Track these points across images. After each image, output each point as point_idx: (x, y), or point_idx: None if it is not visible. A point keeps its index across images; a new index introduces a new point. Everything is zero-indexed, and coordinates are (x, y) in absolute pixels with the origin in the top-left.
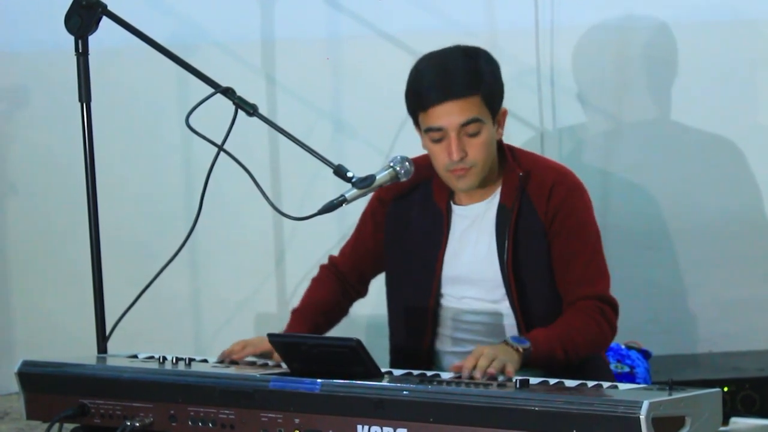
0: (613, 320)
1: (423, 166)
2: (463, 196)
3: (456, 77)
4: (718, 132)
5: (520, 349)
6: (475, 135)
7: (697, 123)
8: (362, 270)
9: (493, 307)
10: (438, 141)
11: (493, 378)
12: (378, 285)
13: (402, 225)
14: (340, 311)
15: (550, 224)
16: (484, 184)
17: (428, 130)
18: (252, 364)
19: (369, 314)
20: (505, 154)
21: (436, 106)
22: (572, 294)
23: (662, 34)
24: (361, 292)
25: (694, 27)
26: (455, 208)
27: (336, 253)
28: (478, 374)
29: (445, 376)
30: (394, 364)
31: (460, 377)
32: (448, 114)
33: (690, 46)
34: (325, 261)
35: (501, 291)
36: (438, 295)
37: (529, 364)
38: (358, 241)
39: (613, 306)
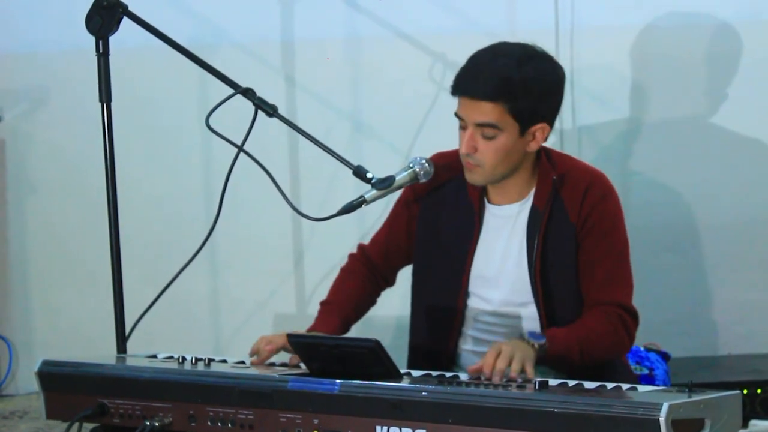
0: (632, 330)
1: (456, 159)
2: (497, 195)
3: (482, 79)
4: (740, 132)
5: (536, 345)
6: (490, 138)
7: (718, 123)
8: (393, 260)
9: (514, 310)
10: (462, 128)
11: (513, 379)
12: (406, 286)
13: (434, 220)
14: (369, 303)
15: (581, 227)
16: (518, 186)
17: (456, 114)
18: (271, 365)
19: (397, 315)
20: (540, 156)
21: (461, 97)
22: (593, 297)
23: (682, 34)
24: (390, 281)
25: (714, 27)
26: (489, 206)
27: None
28: (496, 378)
29: (464, 377)
30: (412, 363)
31: (478, 378)
32: (468, 108)
33: (710, 46)
34: (354, 250)
35: (527, 294)
36: (466, 294)
37: (543, 361)
38: (390, 232)
39: (633, 315)
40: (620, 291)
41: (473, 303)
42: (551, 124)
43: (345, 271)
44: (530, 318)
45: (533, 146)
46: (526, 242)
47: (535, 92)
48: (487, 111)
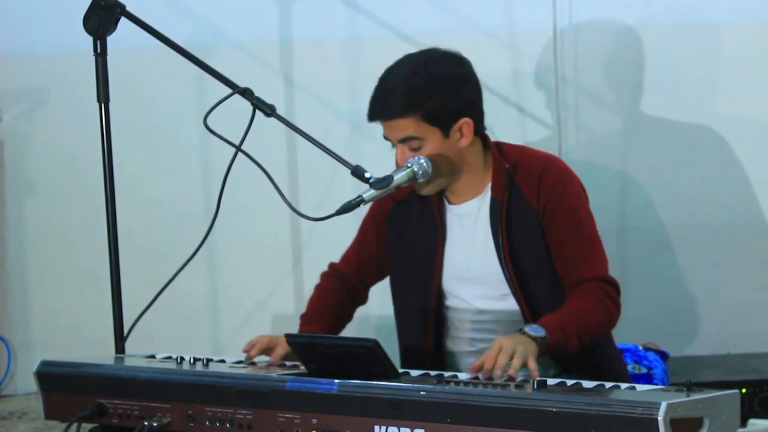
0: (617, 300)
1: None
2: (454, 195)
3: (387, 100)
4: (737, 133)
5: (538, 338)
6: (417, 149)
7: (716, 124)
8: (366, 276)
9: (503, 304)
10: (393, 146)
11: (512, 377)
12: (384, 285)
13: (401, 230)
14: (347, 316)
15: (543, 211)
16: (472, 182)
17: (383, 136)
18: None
19: (378, 315)
20: (492, 151)
21: (377, 122)
22: (573, 276)
23: (679, 34)
24: (364, 298)
25: (710, 27)
26: (449, 207)
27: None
28: (498, 373)
29: (463, 376)
30: (404, 365)
31: (477, 378)
32: (387, 130)
33: (707, 46)
34: (326, 269)
35: (503, 286)
36: (440, 296)
37: (545, 352)
38: (361, 248)
39: (614, 286)
40: (597, 265)
41: (453, 304)
42: (474, 116)
43: (320, 288)
44: (513, 310)
45: (464, 142)
46: (492, 234)
47: (439, 93)
48: (402, 126)
